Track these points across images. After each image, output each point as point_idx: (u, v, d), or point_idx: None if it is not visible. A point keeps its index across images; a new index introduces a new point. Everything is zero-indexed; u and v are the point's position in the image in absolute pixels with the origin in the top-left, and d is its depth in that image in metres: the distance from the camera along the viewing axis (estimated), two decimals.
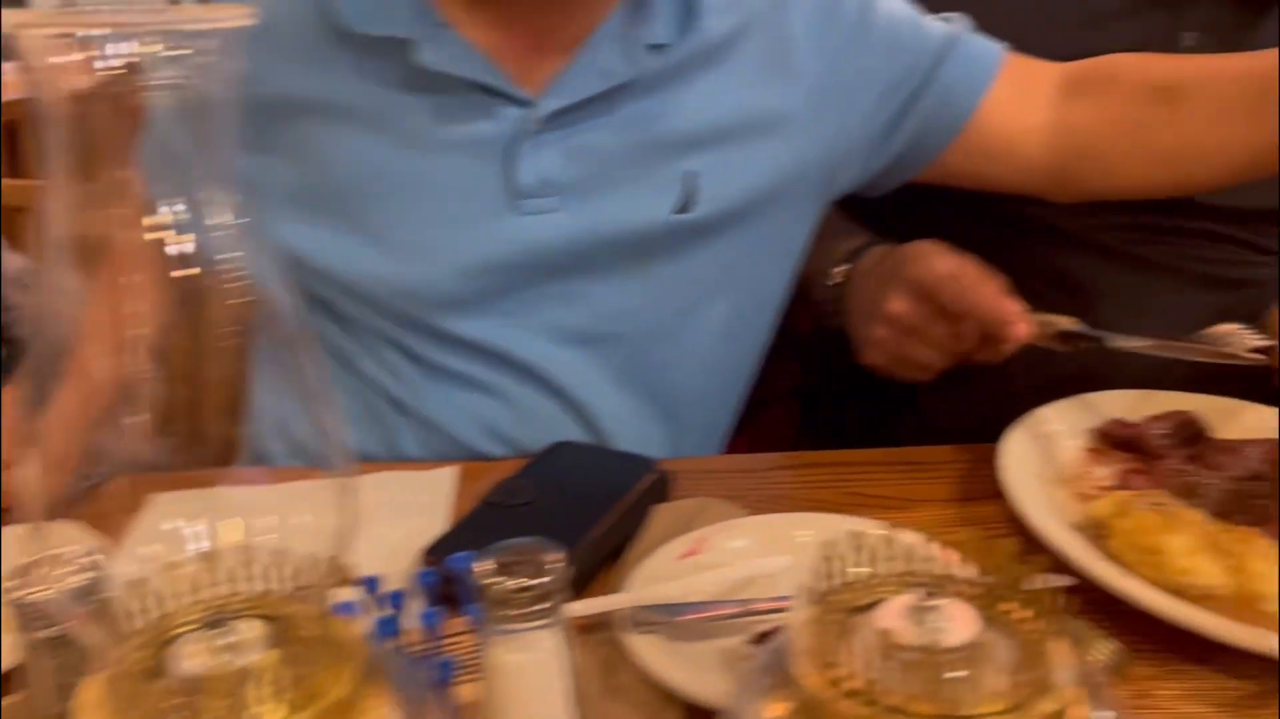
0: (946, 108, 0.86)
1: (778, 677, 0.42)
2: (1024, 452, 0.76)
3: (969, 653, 0.38)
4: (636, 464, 0.78)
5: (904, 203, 0.93)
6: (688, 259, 0.83)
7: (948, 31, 0.87)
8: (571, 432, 0.84)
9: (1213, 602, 0.60)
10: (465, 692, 0.52)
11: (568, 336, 0.84)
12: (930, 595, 0.41)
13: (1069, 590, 0.61)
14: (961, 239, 0.96)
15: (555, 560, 0.47)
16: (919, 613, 0.40)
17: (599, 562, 0.69)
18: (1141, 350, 0.73)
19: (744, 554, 0.65)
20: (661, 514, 0.73)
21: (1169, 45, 0.91)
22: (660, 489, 0.77)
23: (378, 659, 0.42)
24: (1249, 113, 0.77)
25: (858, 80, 0.85)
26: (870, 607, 0.42)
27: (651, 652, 0.57)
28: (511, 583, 0.46)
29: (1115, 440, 0.77)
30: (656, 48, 0.79)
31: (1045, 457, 0.76)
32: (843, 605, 0.42)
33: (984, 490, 0.74)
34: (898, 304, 0.81)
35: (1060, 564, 0.64)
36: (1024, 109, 0.86)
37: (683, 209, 0.82)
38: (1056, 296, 0.94)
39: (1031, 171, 0.86)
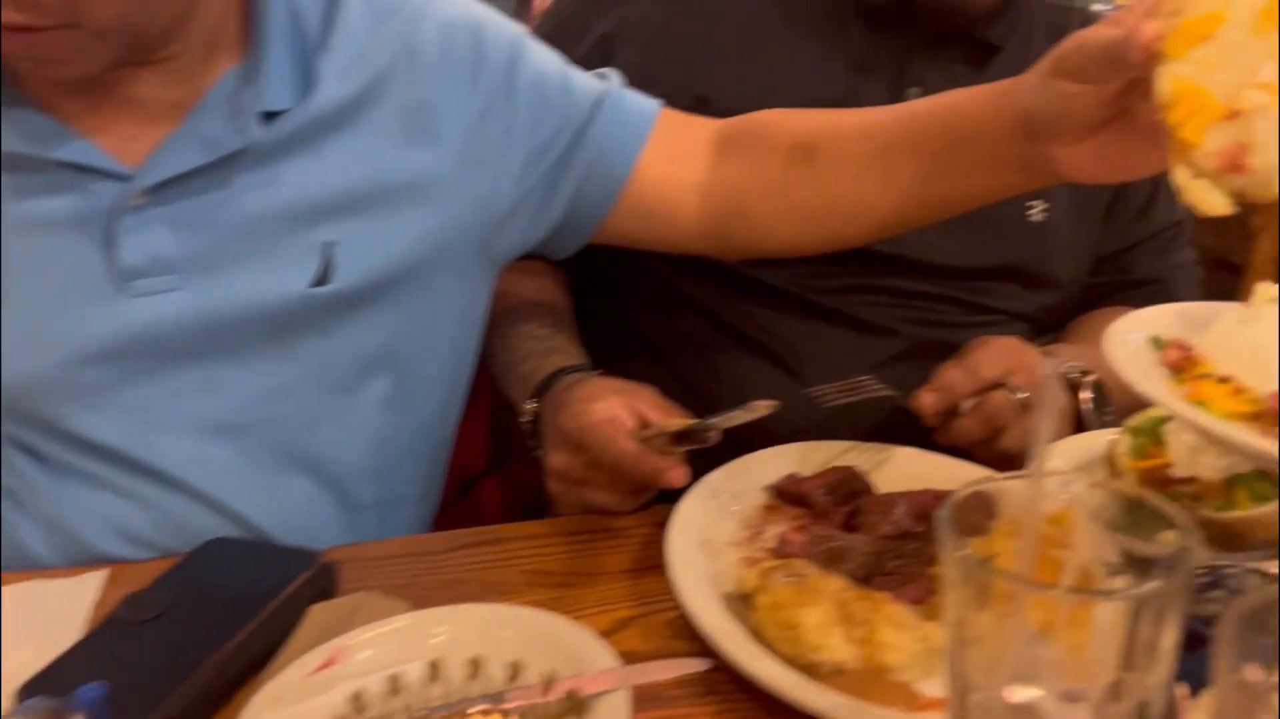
0: (602, 168, 0.85)
1: None
2: (696, 516, 0.75)
3: None
4: (295, 559, 0.73)
5: (611, 254, 0.92)
6: (338, 334, 0.79)
7: (600, 89, 0.86)
8: (222, 532, 0.78)
9: (845, 677, 0.60)
10: None
11: (208, 429, 0.78)
12: None
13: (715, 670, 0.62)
14: (673, 293, 0.96)
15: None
16: None
17: (238, 675, 0.64)
18: (751, 419, 0.73)
19: (376, 665, 0.61)
20: (316, 615, 0.68)
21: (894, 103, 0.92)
22: (323, 583, 0.72)
23: None
24: (882, 167, 0.78)
25: (504, 142, 0.82)
26: None
27: None
28: None
29: (787, 497, 0.78)
30: (271, 115, 0.74)
31: (718, 519, 0.76)
32: None
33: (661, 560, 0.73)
34: (557, 458, 0.80)
35: (705, 644, 0.63)
36: (680, 167, 0.85)
37: (321, 281, 0.77)
38: (762, 351, 0.96)
39: (691, 231, 0.86)
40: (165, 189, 0.73)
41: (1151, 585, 0.43)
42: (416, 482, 0.89)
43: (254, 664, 0.65)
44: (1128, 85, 0.60)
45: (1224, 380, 0.54)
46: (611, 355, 1.02)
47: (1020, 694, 0.46)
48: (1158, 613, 0.43)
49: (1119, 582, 0.46)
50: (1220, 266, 3.13)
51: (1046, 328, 1.03)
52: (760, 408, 0.74)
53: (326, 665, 0.62)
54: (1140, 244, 1.02)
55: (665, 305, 0.99)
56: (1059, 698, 0.46)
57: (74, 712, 0.43)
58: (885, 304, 0.95)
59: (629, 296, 1.02)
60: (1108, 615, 0.44)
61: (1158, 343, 0.58)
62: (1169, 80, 0.56)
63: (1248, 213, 2.72)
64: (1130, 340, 0.59)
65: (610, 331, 1.02)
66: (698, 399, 0.98)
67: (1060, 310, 1.03)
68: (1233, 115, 0.55)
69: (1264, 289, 0.57)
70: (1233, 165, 0.55)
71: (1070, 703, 0.46)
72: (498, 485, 1.15)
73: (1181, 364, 0.56)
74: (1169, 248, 1.04)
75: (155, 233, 0.73)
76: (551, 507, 0.85)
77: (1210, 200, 0.56)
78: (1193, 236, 1.07)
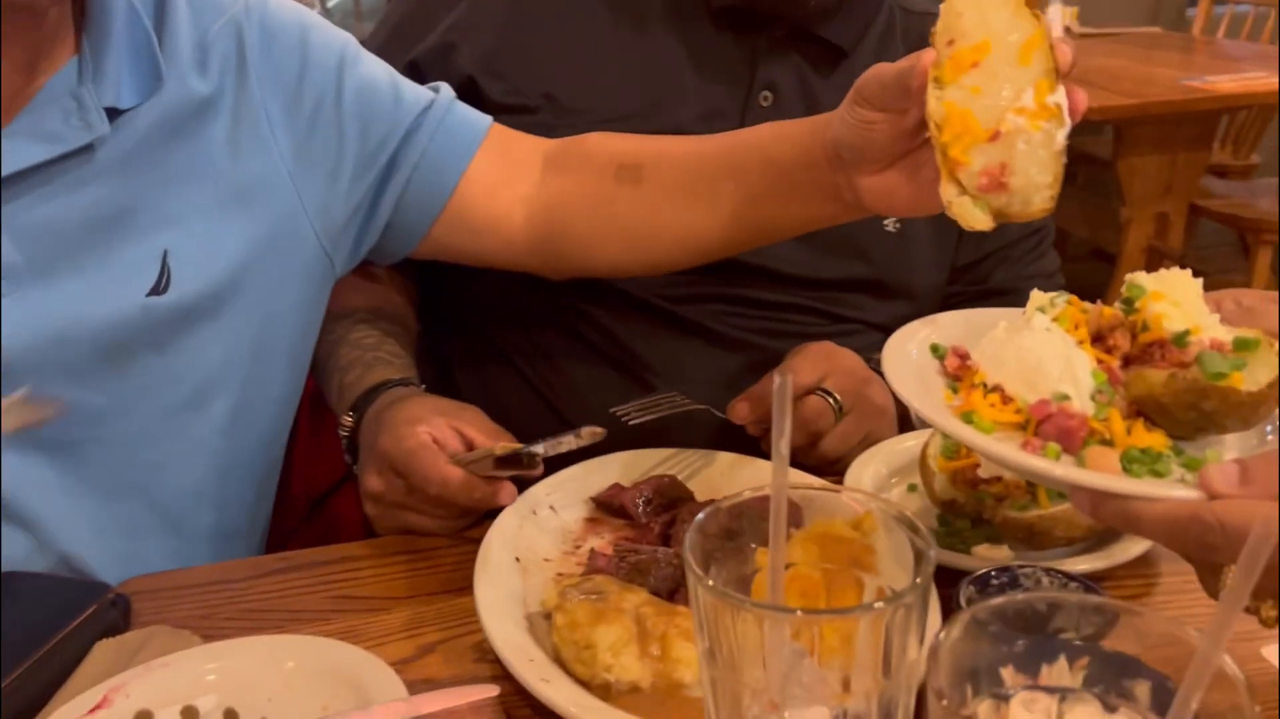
0: (430, 175, 0.83)
1: None
2: (516, 528, 0.73)
3: None
4: (84, 591, 0.69)
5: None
6: (175, 351, 0.76)
7: (430, 99, 0.84)
8: (24, 554, 0.74)
9: (639, 696, 0.59)
10: None
11: (31, 445, 0.74)
12: None
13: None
14: (527, 300, 0.94)
15: None
16: None
17: (15, 714, 0.60)
18: (578, 447, 0.73)
19: (154, 702, 0.58)
20: (103, 650, 0.65)
21: (746, 106, 0.91)
22: (113, 617, 0.68)
23: None
24: (706, 193, 0.78)
25: (335, 148, 0.81)
26: None
27: None
28: None
29: (608, 508, 0.77)
30: (115, 112, 0.71)
31: (541, 531, 0.75)
32: None
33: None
34: (374, 481, 0.78)
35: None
36: (507, 182, 0.84)
37: (158, 290, 0.74)
38: (615, 361, 0.94)
39: (518, 246, 0.85)
40: (4, 188, 0.69)
41: (882, 602, 0.43)
42: (250, 507, 0.86)
43: (32, 704, 0.62)
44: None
45: (993, 390, 0.54)
46: (466, 362, 1.00)
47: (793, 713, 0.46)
48: (903, 622, 0.43)
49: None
50: (1097, 257, 3.25)
51: None
52: (589, 435, 0.73)
53: (100, 707, 0.59)
54: (996, 253, 1.02)
55: (520, 313, 0.97)
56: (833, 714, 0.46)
57: None
58: (738, 314, 0.94)
59: (482, 302, 0.99)
60: (863, 630, 0.44)
61: (937, 350, 0.59)
62: (939, 103, 0.59)
63: (1118, 205, 2.82)
64: (913, 348, 0.59)
65: (464, 339, 1.00)
66: (549, 410, 0.97)
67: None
68: (995, 137, 0.56)
69: (1035, 297, 0.58)
70: (995, 184, 0.56)
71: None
72: (354, 498, 1.12)
73: (959, 373, 0.57)
74: (1027, 257, 1.04)
75: None
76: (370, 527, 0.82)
77: (973, 216, 0.57)
78: (1061, 236, 1.06)
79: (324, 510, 1.13)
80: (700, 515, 0.45)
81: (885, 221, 0.96)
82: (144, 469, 0.78)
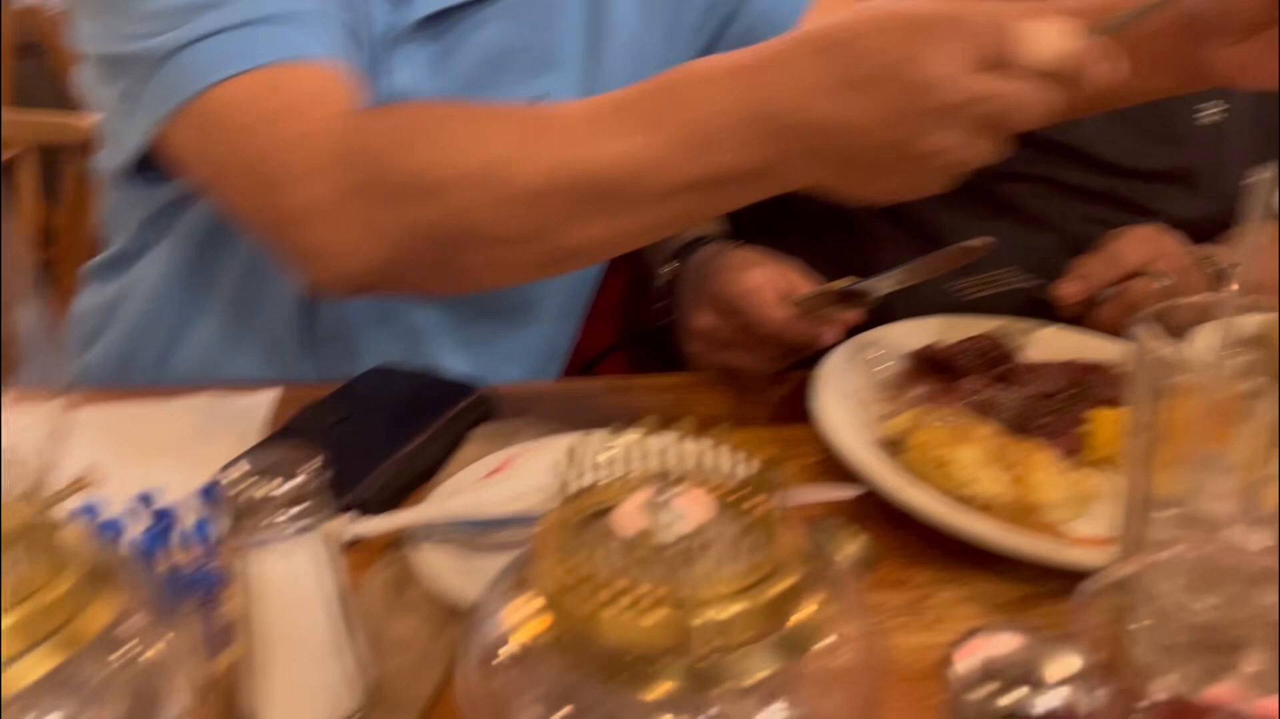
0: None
1: (520, 576, 0.42)
2: (841, 373, 0.77)
3: (698, 541, 0.38)
4: (455, 388, 0.76)
5: None
6: None
7: None
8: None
9: (994, 511, 0.61)
10: (228, 608, 0.50)
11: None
12: (668, 490, 0.40)
13: (863, 500, 0.64)
14: None
15: (309, 465, 0.46)
16: (654, 507, 0.40)
17: (407, 483, 0.68)
18: (908, 284, 0.74)
19: (549, 472, 0.64)
20: (478, 436, 0.72)
21: None
22: (481, 411, 0.76)
23: (108, 564, 0.40)
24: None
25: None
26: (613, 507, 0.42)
27: (436, 564, 0.56)
28: (259, 490, 0.45)
29: (928, 363, 0.79)
30: None
31: (862, 378, 0.78)
32: (587, 506, 0.42)
33: (804, 413, 0.75)
34: (703, 319, 0.81)
35: (856, 477, 0.65)
36: None
37: None
38: (919, 233, 0.95)
39: None
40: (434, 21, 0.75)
41: None
42: (570, 338, 0.93)
43: (423, 474, 0.69)
44: None
45: None
46: (758, 227, 1.03)
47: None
48: None
49: None
50: None
51: (1208, 238, 1.01)
52: (912, 276, 0.75)
53: (497, 472, 0.66)
54: None
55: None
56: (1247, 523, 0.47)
57: (303, 455, 0.47)
58: (1051, 196, 0.94)
59: None
60: None
61: None
62: None
63: None
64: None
65: (759, 205, 1.03)
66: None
67: (1226, 221, 1.00)
68: None
69: None
70: None
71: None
72: (622, 362, 1.18)
73: None
74: None
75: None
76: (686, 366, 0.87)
77: None
78: None
79: (592, 374, 1.20)
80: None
81: (1198, 114, 0.94)
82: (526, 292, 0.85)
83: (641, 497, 0.41)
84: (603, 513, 0.42)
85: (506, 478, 0.65)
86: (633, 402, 0.80)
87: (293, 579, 0.47)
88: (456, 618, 0.55)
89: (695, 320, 0.83)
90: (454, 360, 0.85)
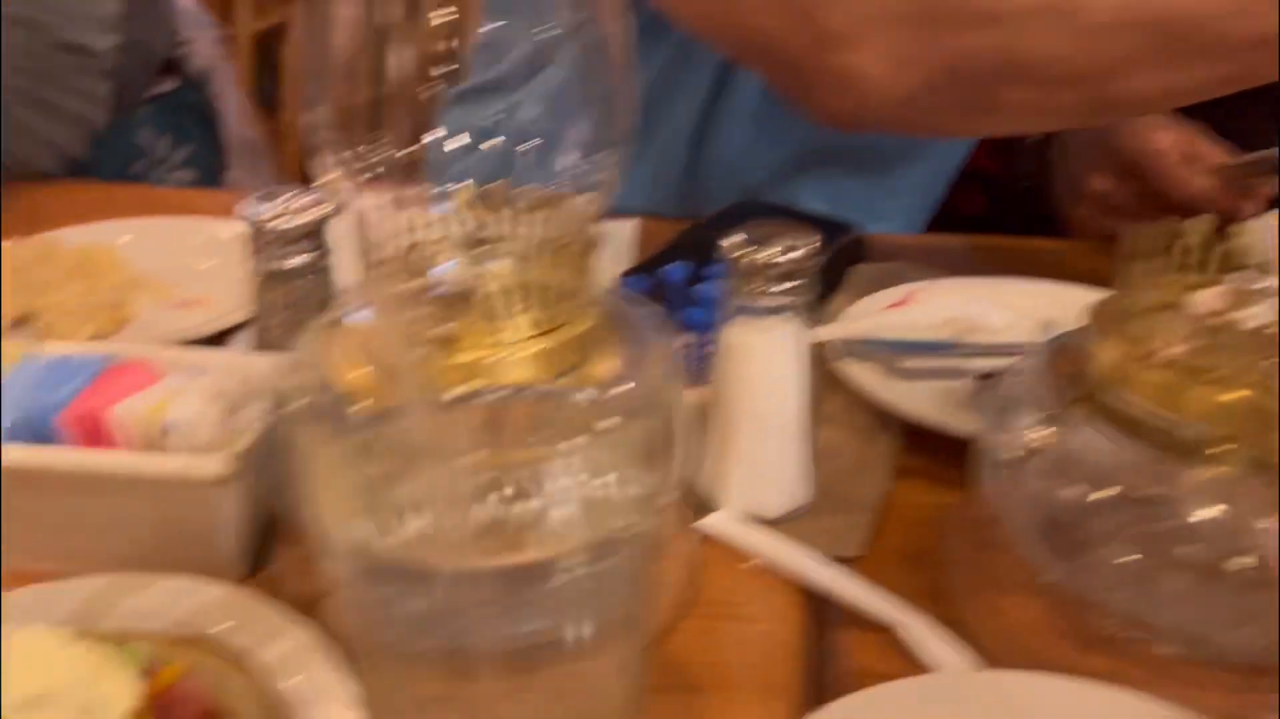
0: None
1: (1037, 399, 0.40)
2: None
3: None
4: (829, 227, 0.74)
5: None
6: None
7: None
8: None
9: None
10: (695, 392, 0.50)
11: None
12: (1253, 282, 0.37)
13: None
14: None
15: (808, 240, 0.45)
16: (1242, 296, 0.36)
17: None
18: None
19: (958, 308, 0.61)
20: (861, 273, 0.70)
21: None
22: (856, 252, 0.73)
23: (620, 313, 0.40)
24: None
25: None
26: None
27: (869, 377, 0.55)
28: (761, 256, 0.44)
29: None
30: None
31: None
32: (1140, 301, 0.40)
33: None
34: (1100, 182, 0.75)
35: None
36: None
37: None
38: None
39: None
40: None
41: None
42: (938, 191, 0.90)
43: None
44: None
45: None
46: None
47: None
48: None
49: None
50: None
51: None
52: None
53: (900, 304, 0.63)
54: None
55: None
56: None
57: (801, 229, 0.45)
58: None
59: None
60: None
61: None
62: None
63: None
64: None
65: None
66: None
67: None
68: None
69: None
70: None
71: None
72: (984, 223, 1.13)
73: None
74: None
75: None
76: (1062, 228, 0.81)
77: None
78: None
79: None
80: None
81: None
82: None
83: (1219, 290, 0.37)
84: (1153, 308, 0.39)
85: (911, 310, 0.62)
86: (999, 260, 0.75)
87: (771, 356, 0.46)
88: (887, 429, 0.53)
89: (1091, 182, 0.77)
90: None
